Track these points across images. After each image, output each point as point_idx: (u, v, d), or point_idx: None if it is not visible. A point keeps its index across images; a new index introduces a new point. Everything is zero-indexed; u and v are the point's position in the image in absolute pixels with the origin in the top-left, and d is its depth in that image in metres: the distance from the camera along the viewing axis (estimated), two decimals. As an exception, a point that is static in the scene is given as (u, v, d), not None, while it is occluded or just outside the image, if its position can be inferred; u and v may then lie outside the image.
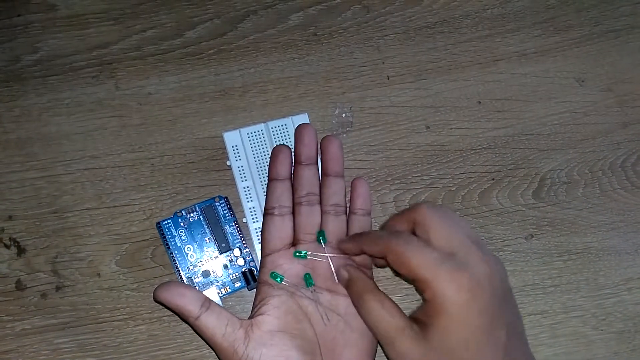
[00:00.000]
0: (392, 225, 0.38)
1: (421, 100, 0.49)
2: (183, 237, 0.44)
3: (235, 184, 0.45)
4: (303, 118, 0.47)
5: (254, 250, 0.45)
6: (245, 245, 0.45)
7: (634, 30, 0.51)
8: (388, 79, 0.49)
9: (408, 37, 0.50)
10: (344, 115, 0.48)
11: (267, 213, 0.41)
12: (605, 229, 0.48)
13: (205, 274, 0.44)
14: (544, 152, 0.49)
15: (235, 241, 0.45)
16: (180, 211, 0.45)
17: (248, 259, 0.45)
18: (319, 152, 0.43)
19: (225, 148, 0.46)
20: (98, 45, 0.48)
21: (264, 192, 0.44)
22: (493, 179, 0.48)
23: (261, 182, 0.45)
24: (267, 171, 0.43)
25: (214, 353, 0.39)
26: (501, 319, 0.34)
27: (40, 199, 0.45)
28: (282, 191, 0.41)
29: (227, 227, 0.45)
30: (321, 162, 0.42)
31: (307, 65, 0.49)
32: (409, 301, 0.45)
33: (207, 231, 0.45)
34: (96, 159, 0.46)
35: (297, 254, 0.40)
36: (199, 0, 0.49)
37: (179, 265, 0.44)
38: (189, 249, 0.44)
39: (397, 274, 0.42)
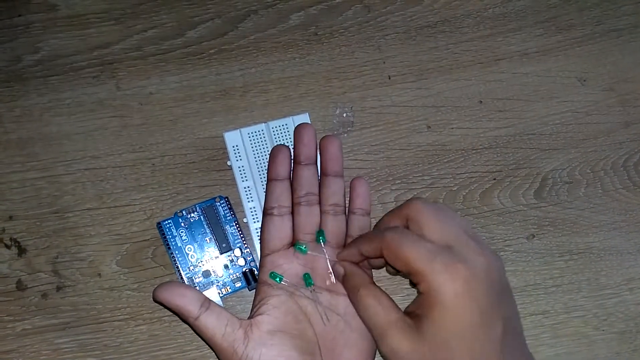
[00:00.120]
0: (385, 223, 0.38)
1: (422, 99, 0.49)
2: (184, 237, 0.44)
3: (236, 184, 0.45)
4: (304, 118, 0.47)
5: (255, 250, 0.45)
6: (245, 245, 0.45)
7: (636, 30, 0.51)
8: (389, 78, 0.49)
9: (409, 37, 0.50)
10: (345, 115, 0.48)
11: (266, 213, 0.41)
12: (607, 229, 0.48)
13: (206, 274, 0.44)
14: (546, 151, 0.49)
15: (236, 241, 0.45)
16: (181, 211, 0.45)
17: (249, 259, 0.45)
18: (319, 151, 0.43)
19: (226, 148, 0.46)
20: (99, 45, 0.48)
21: (265, 192, 0.44)
22: (494, 179, 0.48)
23: (262, 182, 0.45)
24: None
25: (214, 353, 0.39)
26: (497, 312, 0.33)
27: (41, 199, 0.45)
28: (282, 191, 0.41)
29: (227, 227, 0.45)
30: (320, 161, 0.42)
31: (308, 64, 0.49)
32: (410, 300, 0.45)
33: (207, 231, 0.45)
34: (97, 159, 0.46)
35: (298, 247, 0.40)
36: None
37: (179, 266, 0.44)
38: (189, 249, 0.44)
39: (394, 272, 0.42)
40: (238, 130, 0.46)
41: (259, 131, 0.46)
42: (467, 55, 0.50)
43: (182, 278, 0.44)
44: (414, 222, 0.35)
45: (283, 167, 0.41)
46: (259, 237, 0.44)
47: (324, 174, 0.42)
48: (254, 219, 0.45)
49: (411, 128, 0.48)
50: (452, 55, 0.50)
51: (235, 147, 0.45)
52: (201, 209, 0.45)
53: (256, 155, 0.45)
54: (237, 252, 0.45)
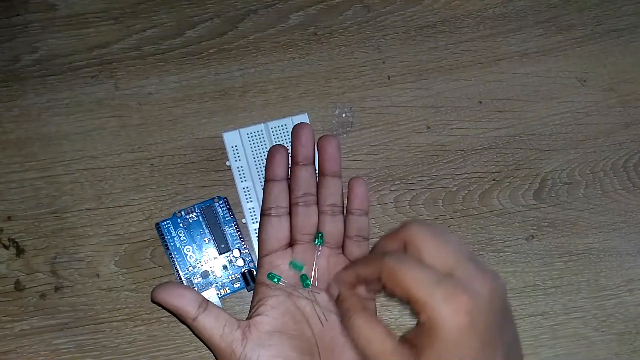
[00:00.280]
0: (382, 246, 0.36)
1: (422, 100, 0.49)
2: (182, 238, 0.44)
3: (235, 185, 0.45)
4: (303, 118, 0.46)
5: (254, 250, 0.45)
6: (244, 245, 0.45)
7: (637, 30, 0.51)
8: (389, 78, 0.49)
9: (409, 37, 0.50)
10: (344, 115, 0.48)
11: (264, 214, 0.41)
12: (607, 230, 0.48)
13: (205, 274, 0.44)
14: (545, 152, 0.48)
15: (235, 242, 0.45)
16: (180, 212, 0.45)
17: (247, 259, 0.45)
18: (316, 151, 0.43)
19: (224, 148, 0.46)
20: (98, 44, 0.48)
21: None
22: (494, 180, 0.48)
23: (261, 182, 0.45)
24: (266, 172, 0.43)
25: (212, 354, 0.38)
26: (499, 341, 0.32)
27: (39, 199, 0.45)
28: (279, 192, 0.41)
29: (226, 227, 0.45)
30: (318, 161, 0.42)
31: (307, 65, 0.49)
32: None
33: (206, 232, 0.45)
34: (95, 159, 0.46)
35: (293, 263, 0.40)
36: (198, -1, 0.49)
37: (178, 266, 0.44)
38: (188, 250, 0.44)
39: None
40: (237, 130, 0.46)
41: (258, 131, 0.46)
42: (467, 56, 0.50)
43: (180, 279, 0.44)
44: (413, 246, 0.34)
45: (280, 168, 0.41)
46: (257, 237, 0.44)
47: (321, 174, 0.42)
48: (252, 219, 0.45)
49: (410, 128, 0.48)
50: (451, 55, 0.50)
51: (234, 148, 0.45)
52: (200, 210, 0.45)
53: (255, 156, 0.45)
54: (236, 252, 0.45)
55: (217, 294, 0.44)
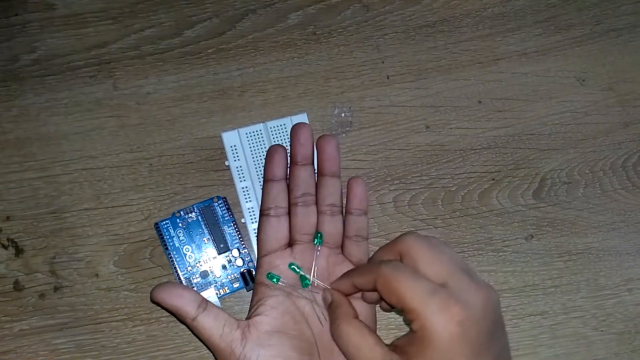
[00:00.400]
0: (379, 257, 0.37)
1: (421, 99, 0.49)
2: (181, 238, 0.44)
3: (234, 184, 0.45)
4: (302, 118, 0.46)
5: (253, 250, 0.45)
6: (243, 245, 0.45)
7: (636, 29, 0.51)
8: (388, 78, 0.49)
9: (408, 36, 0.50)
10: (343, 115, 0.48)
11: (262, 214, 0.41)
12: (606, 230, 0.48)
13: (204, 274, 0.44)
14: (545, 152, 0.48)
15: (234, 241, 0.45)
16: (179, 211, 0.45)
17: (247, 259, 0.45)
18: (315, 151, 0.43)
19: (223, 148, 0.46)
20: (96, 44, 0.48)
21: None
22: (493, 179, 0.48)
23: (260, 182, 0.45)
24: (265, 171, 0.43)
25: (212, 354, 0.38)
26: (489, 351, 0.32)
27: (38, 199, 0.45)
28: (278, 192, 0.41)
29: (225, 227, 0.45)
30: (317, 161, 0.42)
31: (306, 64, 0.49)
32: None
33: (205, 232, 0.45)
34: (94, 159, 0.46)
35: (292, 266, 0.40)
36: (197, -1, 0.49)
37: (177, 266, 0.44)
38: (187, 250, 0.44)
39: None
40: (236, 130, 0.46)
41: (257, 131, 0.46)
42: (466, 55, 0.50)
43: (179, 278, 0.44)
44: (408, 257, 0.35)
45: (279, 168, 0.41)
46: (256, 237, 0.44)
47: (320, 174, 0.42)
48: (252, 219, 0.45)
49: (410, 128, 0.48)
50: (451, 55, 0.50)
51: (233, 147, 0.45)
52: (199, 209, 0.45)
53: (254, 156, 0.45)
54: (235, 252, 0.45)
55: (216, 293, 0.44)
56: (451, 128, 0.48)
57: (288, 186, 0.42)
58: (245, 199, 0.45)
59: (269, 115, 0.47)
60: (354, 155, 0.47)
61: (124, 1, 0.48)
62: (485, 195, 0.47)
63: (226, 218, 0.45)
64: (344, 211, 0.42)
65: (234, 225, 0.45)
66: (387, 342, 0.35)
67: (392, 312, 0.45)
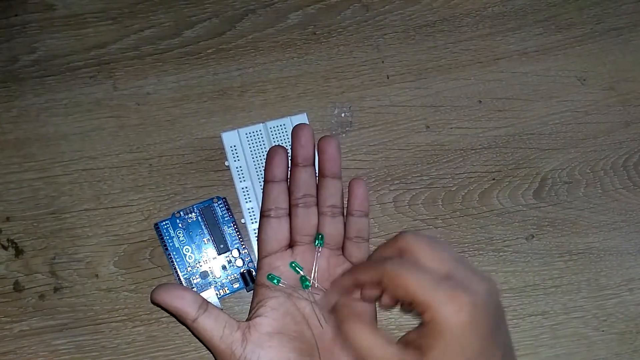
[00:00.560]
0: (379, 255, 0.37)
1: (421, 99, 0.49)
2: (181, 238, 0.44)
3: (234, 185, 0.45)
4: (302, 118, 0.46)
5: (253, 251, 0.45)
6: (243, 246, 0.45)
7: (637, 28, 0.51)
8: (388, 78, 0.49)
9: (408, 36, 0.49)
10: (343, 115, 0.48)
11: (263, 215, 0.41)
12: (607, 229, 0.47)
13: (204, 275, 0.44)
14: (545, 151, 0.48)
15: (234, 242, 0.45)
16: (179, 212, 0.45)
17: (247, 259, 0.45)
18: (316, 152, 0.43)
19: (223, 148, 0.45)
20: (96, 45, 0.48)
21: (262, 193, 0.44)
22: (493, 179, 0.48)
23: (260, 182, 0.45)
24: (265, 172, 0.43)
25: (212, 355, 0.38)
26: (498, 339, 0.33)
27: (38, 199, 0.45)
28: (279, 193, 0.41)
29: (225, 227, 0.45)
30: (318, 162, 0.42)
31: (306, 64, 0.48)
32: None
33: (205, 232, 0.44)
34: (94, 160, 0.46)
35: (293, 265, 0.40)
36: (197, -1, 0.49)
37: (177, 267, 0.44)
38: (187, 250, 0.44)
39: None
40: (236, 130, 0.45)
41: (256, 131, 0.46)
42: (466, 55, 0.49)
43: (179, 279, 0.44)
44: (409, 253, 0.35)
45: (280, 169, 0.41)
46: (257, 238, 0.44)
47: (321, 175, 0.42)
48: (252, 219, 0.45)
49: (410, 128, 0.48)
50: (451, 54, 0.49)
51: (233, 148, 0.45)
52: (199, 210, 0.45)
53: (254, 156, 0.45)
54: (235, 252, 0.44)
55: (217, 294, 0.44)
56: (451, 128, 0.48)
57: (289, 187, 0.41)
58: (245, 199, 0.45)
59: (268, 116, 0.47)
60: (354, 155, 0.47)
61: (123, 1, 0.48)
62: (485, 195, 0.47)
63: (226, 218, 0.45)
64: (344, 212, 0.42)
65: (233, 225, 0.45)
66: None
67: (392, 312, 0.45)
